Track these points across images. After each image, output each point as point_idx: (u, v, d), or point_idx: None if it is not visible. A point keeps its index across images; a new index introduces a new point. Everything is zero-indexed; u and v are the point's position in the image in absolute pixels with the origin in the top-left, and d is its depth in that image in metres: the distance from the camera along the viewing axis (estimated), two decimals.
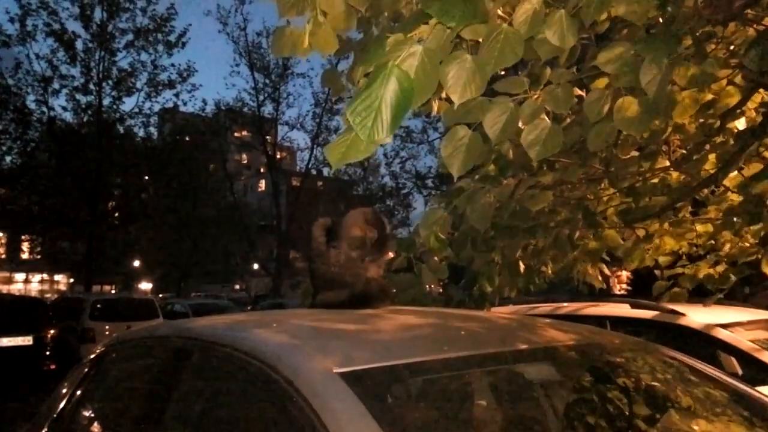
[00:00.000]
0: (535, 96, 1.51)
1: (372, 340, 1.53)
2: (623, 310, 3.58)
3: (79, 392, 2.32)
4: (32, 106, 19.35)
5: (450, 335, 1.63)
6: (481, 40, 1.22)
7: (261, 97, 28.48)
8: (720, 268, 2.94)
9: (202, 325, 2.01)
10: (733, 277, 2.95)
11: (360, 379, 1.25)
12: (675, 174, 2.65)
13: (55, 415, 2.32)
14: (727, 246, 2.89)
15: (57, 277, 34.96)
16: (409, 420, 1.31)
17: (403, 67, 1.09)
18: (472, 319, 1.90)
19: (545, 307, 3.88)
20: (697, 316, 3.14)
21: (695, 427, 1.54)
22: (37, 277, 35.61)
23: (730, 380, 1.75)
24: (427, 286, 2.85)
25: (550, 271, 3.21)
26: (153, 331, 2.49)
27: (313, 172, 31.71)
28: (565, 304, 3.89)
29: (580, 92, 2.03)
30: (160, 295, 24.75)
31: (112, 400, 2.29)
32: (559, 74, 1.58)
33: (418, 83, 1.07)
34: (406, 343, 1.52)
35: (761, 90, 2.09)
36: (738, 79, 2.12)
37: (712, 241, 2.94)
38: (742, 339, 2.98)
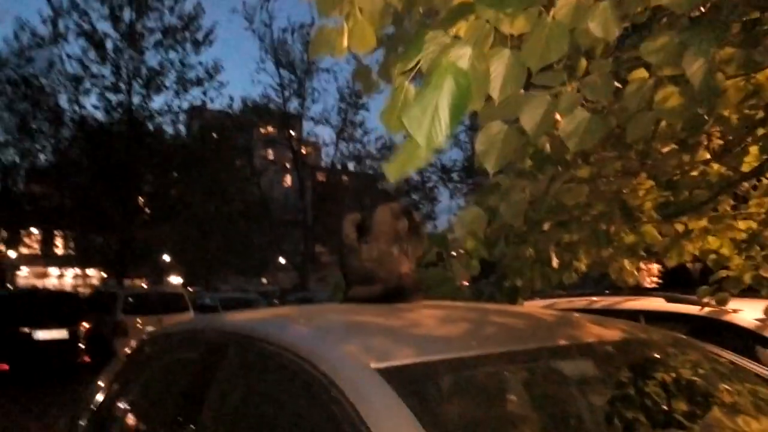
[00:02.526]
0: (572, 87, 1.48)
1: (410, 335, 1.52)
2: (658, 304, 3.51)
3: (116, 386, 2.37)
4: (65, 105, 19.84)
5: (488, 331, 1.62)
6: (516, 33, 1.19)
7: (287, 93, 28.71)
8: (766, 270, 2.82)
9: (238, 320, 2.03)
10: None
11: (398, 374, 1.25)
12: (715, 166, 2.58)
13: (93, 408, 2.37)
14: None
15: (90, 272, 35.77)
16: (448, 417, 1.30)
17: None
18: (509, 314, 1.88)
19: (578, 302, 3.82)
20: (737, 311, 3.06)
21: (740, 426, 1.50)
22: (71, 271, 36.47)
23: None
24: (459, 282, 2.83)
25: (583, 266, 3.16)
26: (188, 325, 2.53)
27: (338, 166, 31.84)
28: (595, 298, 3.83)
29: (617, 83, 1.99)
30: (189, 289, 25.15)
31: (149, 395, 2.33)
32: (599, 65, 1.54)
33: (473, 83, 1.04)
34: (444, 338, 1.51)
35: None
36: None
37: (756, 242, 2.82)
38: None
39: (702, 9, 1.60)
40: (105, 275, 29.03)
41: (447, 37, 1.10)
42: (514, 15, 1.09)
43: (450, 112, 1.03)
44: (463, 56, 1.06)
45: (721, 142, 2.56)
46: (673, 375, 1.67)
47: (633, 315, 3.33)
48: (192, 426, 1.70)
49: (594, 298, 3.82)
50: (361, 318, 1.71)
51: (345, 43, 1.57)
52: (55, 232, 24.93)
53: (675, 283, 4.10)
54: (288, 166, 35.68)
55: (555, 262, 2.86)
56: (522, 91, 1.30)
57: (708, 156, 2.52)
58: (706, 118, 1.98)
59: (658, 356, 1.74)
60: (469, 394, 1.40)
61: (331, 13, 1.51)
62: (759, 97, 2.18)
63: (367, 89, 2.19)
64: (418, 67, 1.12)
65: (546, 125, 1.33)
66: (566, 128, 1.38)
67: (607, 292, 4.05)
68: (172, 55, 20.41)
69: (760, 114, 2.24)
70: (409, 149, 1.11)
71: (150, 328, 9.00)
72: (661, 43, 1.33)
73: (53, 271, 36.38)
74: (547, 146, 2.18)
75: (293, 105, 29.24)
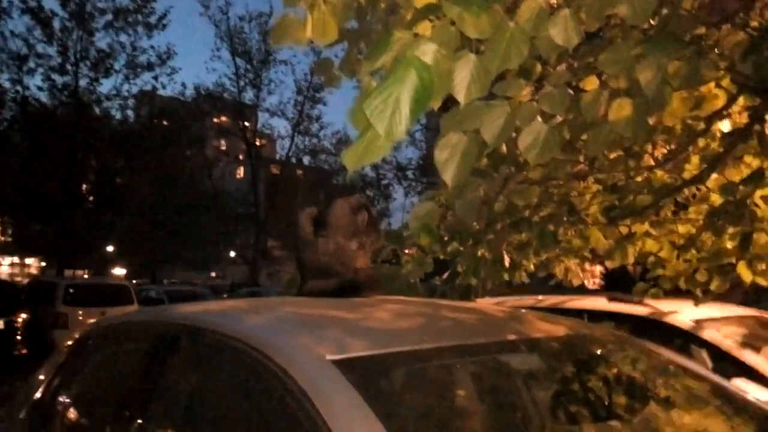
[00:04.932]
0: (531, 98, 1.51)
1: (364, 328, 1.54)
2: (601, 303, 3.66)
3: (58, 378, 2.29)
4: (6, 84, 18.87)
5: (442, 325, 1.66)
6: (479, 38, 1.22)
7: (242, 83, 28.22)
8: (701, 273, 2.98)
9: (191, 311, 1.99)
10: (718, 280, 2.96)
11: (353, 366, 1.27)
12: (659, 173, 2.71)
13: (33, 401, 2.29)
14: (707, 246, 2.95)
15: (28, 261, 34.24)
16: (403, 408, 1.32)
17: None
18: (462, 309, 1.93)
19: (526, 300, 3.94)
20: (675, 312, 3.22)
21: (675, 418, 1.59)
22: (8, 260, 34.83)
23: (706, 373, 1.81)
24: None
25: (531, 266, 3.26)
26: (136, 316, 2.48)
27: (293, 160, 31.53)
28: (540, 297, 3.95)
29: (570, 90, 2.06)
30: (134, 281, 24.41)
31: (94, 387, 2.26)
32: (557, 76, 1.58)
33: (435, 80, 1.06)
34: (398, 331, 1.54)
35: (748, 93, 2.14)
36: (725, 82, 2.17)
37: (693, 246, 2.99)
38: (715, 334, 3.07)
39: (652, 22, 1.68)
40: (44, 264, 27.85)
41: (414, 39, 1.12)
42: (478, 14, 1.12)
43: (411, 105, 1.05)
44: (427, 52, 1.09)
45: (665, 150, 2.69)
46: (615, 370, 1.75)
47: (577, 314, 3.46)
48: (140, 420, 1.67)
49: (540, 297, 3.95)
50: (316, 311, 1.72)
51: (307, 33, 1.57)
52: None
53: (616, 284, 4.28)
54: (241, 157, 35.09)
55: (507, 262, 2.94)
56: (481, 101, 1.32)
57: (652, 163, 2.65)
58: (653, 127, 2.07)
59: (600, 352, 1.82)
60: (422, 385, 1.43)
61: (296, 3, 1.51)
62: (701, 109, 2.31)
63: (328, 82, 2.19)
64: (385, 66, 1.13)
65: (505, 135, 1.36)
66: (525, 140, 1.42)
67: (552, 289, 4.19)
68: (123, 37, 19.65)
69: (702, 125, 2.37)
70: (369, 140, 1.13)
71: (92, 321, 8.69)
72: (618, 54, 1.38)
73: None
74: (504, 147, 2.23)
75: (248, 95, 28.81)
